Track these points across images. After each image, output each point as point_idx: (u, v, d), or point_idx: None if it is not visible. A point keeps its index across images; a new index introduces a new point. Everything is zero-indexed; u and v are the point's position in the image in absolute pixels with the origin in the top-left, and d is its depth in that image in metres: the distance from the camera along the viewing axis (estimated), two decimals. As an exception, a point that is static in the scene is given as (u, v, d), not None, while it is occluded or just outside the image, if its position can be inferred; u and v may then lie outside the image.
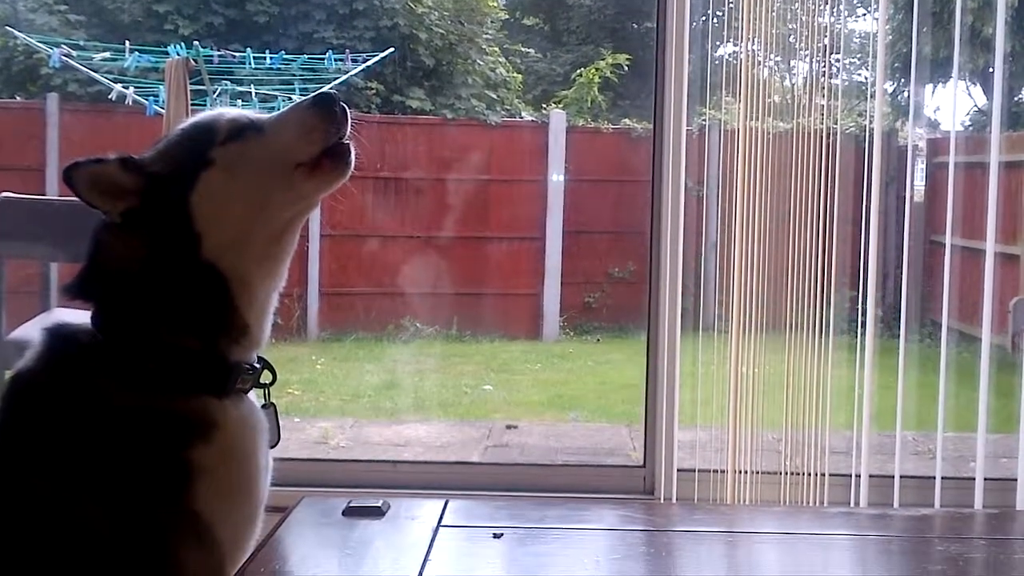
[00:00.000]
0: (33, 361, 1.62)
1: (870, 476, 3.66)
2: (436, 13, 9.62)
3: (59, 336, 1.64)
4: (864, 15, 6.40)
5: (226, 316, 1.65)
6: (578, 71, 9.65)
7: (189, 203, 1.62)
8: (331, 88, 7.90)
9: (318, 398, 7.15)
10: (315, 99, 1.69)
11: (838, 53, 3.90)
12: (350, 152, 1.69)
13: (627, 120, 9.12)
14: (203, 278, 1.63)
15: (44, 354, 1.63)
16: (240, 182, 1.64)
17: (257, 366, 1.70)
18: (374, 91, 9.00)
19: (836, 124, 3.76)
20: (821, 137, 3.70)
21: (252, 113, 1.73)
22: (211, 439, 1.59)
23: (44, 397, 1.60)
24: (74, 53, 7.92)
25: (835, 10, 3.87)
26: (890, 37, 4.20)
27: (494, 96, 9.65)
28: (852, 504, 3.62)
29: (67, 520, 1.52)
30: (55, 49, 7.87)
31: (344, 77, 8.21)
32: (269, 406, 1.74)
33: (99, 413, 1.57)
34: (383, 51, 8.47)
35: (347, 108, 1.69)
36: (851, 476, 3.68)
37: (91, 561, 1.53)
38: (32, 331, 4.24)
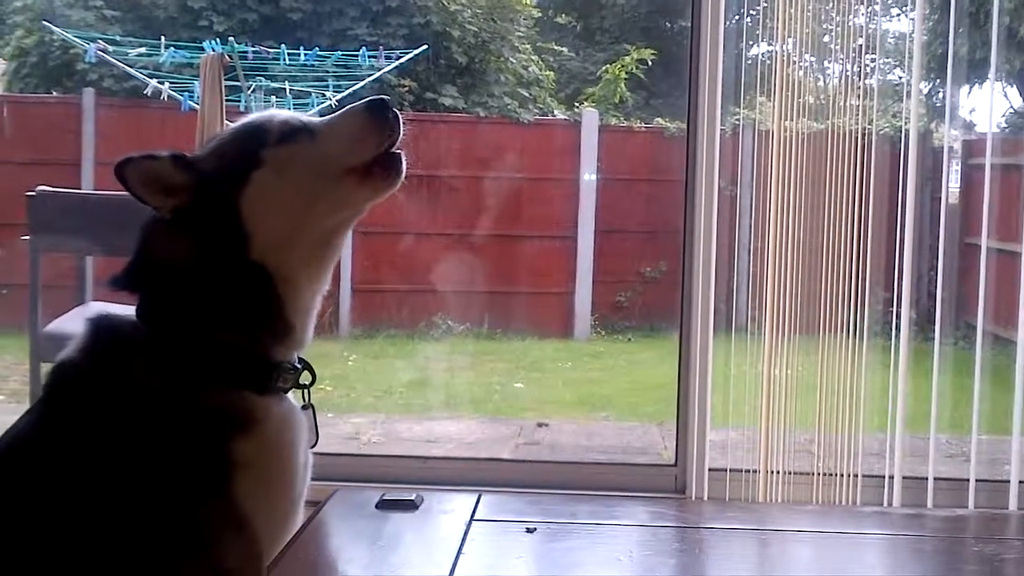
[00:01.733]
0: (77, 352, 1.64)
1: (903, 478, 3.65)
2: (469, 11, 9.63)
3: (103, 327, 1.66)
4: (899, 15, 6.38)
5: (271, 315, 1.66)
6: (604, 67, 9.64)
7: (238, 202, 1.63)
8: (365, 85, 7.95)
9: (349, 394, 7.17)
10: (368, 104, 1.69)
11: (873, 53, 3.88)
12: (401, 162, 1.69)
13: (660, 119, 9.10)
14: (250, 277, 1.64)
15: (88, 345, 1.64)
16: (289, 184, 1.65)
17: (298, 366, 1.72)
18: (407, 89, 9.01)
19: (871, 125, 3.75)
20: (856, 138, 3.69)
21: (306, 116, 1.74)
22: (252, 434, 1.60)
23: (87, 387, 1.61)
24: (110, 48, 7.96)
25: (870, 10, 3.86)
26: (925, 37, 4.18)
27: (527, 94, 9.65)
28: (885, 506, 3.61)
29: (107, 509, 1.54)
30: (91, 44, 7.92)
31: (377, 74, 8.22)
32: (308, 407, 1.75)
33: (141, 404, 1.58)
34: (416, 48, 8.47)
35: (400, 115, 1.69)
36: (884, 478, 3.67)
37: (130, 550, 1.54)
38: (69, 324, 4.29)
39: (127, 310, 1.69)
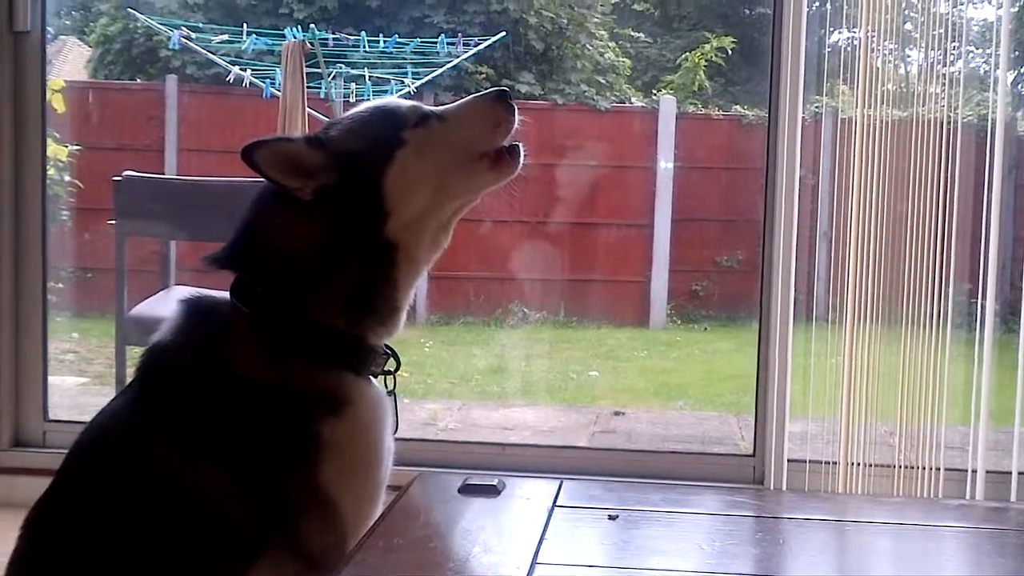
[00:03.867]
0: (173, 332, 1.67)
1: (986, 472, 3.60)
2: (546, -3, 9.63)
3: (198, 308, 1.69)
4: (983, 2, 6.27)
5: (382, 297, 1.70)
6: (684, 55, 9.58)
7: (384, 180, 1.67)
8: (443, 72, 7.98)
9: (426, 380, 7.20)
10: (497, 94, 1.78)
11: (955, 41, 3.82)
12: (521, 152, 1.78)
13: (738, 107, 9.03)
14: (380, 256, 1.69)
15: (183, 325, 1.67)
16: (430, 164, 1.71)
17: (386, 352, 1.75)
18: (484, 75, 9.03)
19: (954, 113, 3.70)
20: (939, 126, 3.64)
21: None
22: (342, 415, 1.64)
23: (185, 366, 1.65)
24: (193, 36, 8.06)
25: (954, -5, 3.80)
26: (1011, 25, 4.10)
27: (603, 81, 9.62)
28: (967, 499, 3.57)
29: (196, 485, 1.57)
30: (175, 31, 8.01)
31: (455, 61, 8.24)
32: (391, 394, 1.78)
33: (235, 383, 1.61)
34: (494, 35, 8.48)
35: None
36: (967, 472, 3.63)
37: (217, 526, 1.58)
38: (154, 307, 4.36)
39: (214, 293, 1.72)
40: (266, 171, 1.65)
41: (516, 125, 1.78)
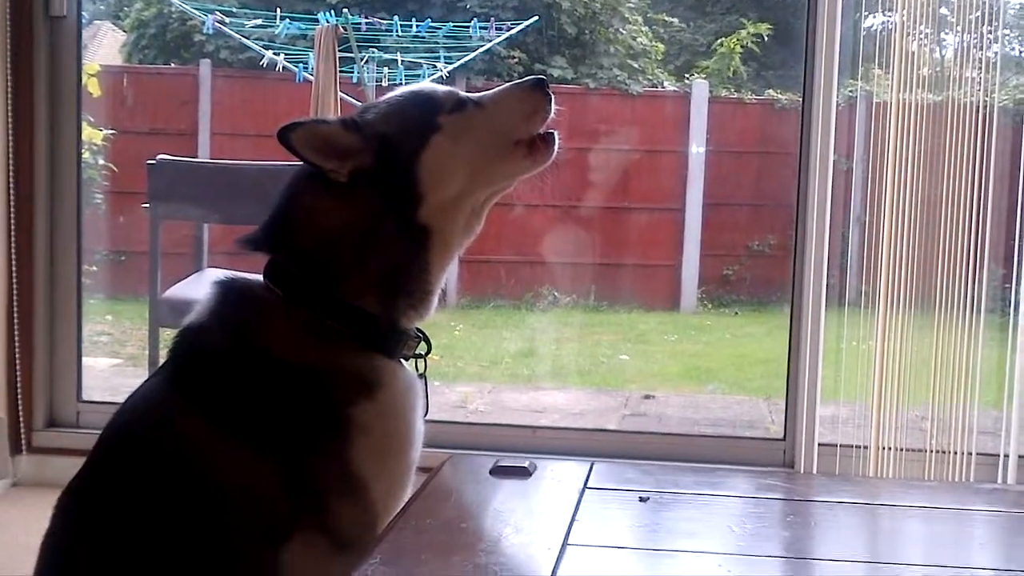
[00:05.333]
0: (206, 314, 1.68)
1: (1019, 456, 3.59)
2: (579, -19, 9.60)
3: (232, 290, 1.70)
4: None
5: (415, 281, 1.71)
6: (719, 40, 9.53)
7: (418, 164, 1.68)
8: (475, 56, 7.97)
9: (456, 363, 7.22)
10: (535, 82, 1.78)
11: (992, 25, 3.79)
12: (556, 140, 1.79)
13: (771, 91, 8.98)
14: (413, 239, 1.69)
15: (217, 308, 1.68)
16: (465, 149, 1.72)
17: (418, 335, 1.76)
18: (516, 60, 9.01)
19: (989, 97, 3.67)
20: (974, 111, 3.61)
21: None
22: (374, 398, 1.65)
23: (216, 347, 1.66)
24: (227, 20, 8.08)
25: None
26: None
27: (636, 66, 9.58)
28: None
29: (230, 465, 1.58)
30: (209, 16, 8.04)
31: (488, 46, 8.24)
32: (422, 377, 1.79)
33: (268, 365, 1.62)
34: (526, 20, 8.47)
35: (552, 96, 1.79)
36: (999, 456, 3.61)
37: (249, 506, 1.59)
38: (186, 290, 4.39)
39: (247, 275, 1.73)
40: (301, 152, 1.66)
41: (553, 114, 1.78)
